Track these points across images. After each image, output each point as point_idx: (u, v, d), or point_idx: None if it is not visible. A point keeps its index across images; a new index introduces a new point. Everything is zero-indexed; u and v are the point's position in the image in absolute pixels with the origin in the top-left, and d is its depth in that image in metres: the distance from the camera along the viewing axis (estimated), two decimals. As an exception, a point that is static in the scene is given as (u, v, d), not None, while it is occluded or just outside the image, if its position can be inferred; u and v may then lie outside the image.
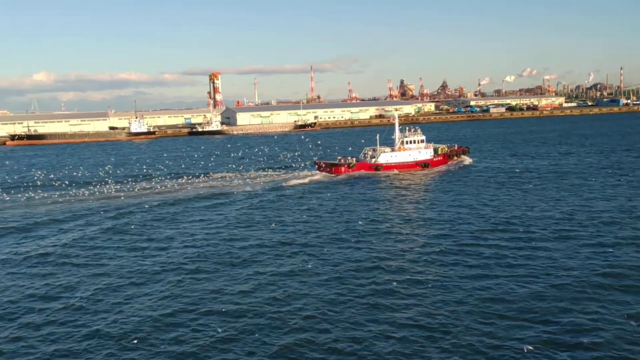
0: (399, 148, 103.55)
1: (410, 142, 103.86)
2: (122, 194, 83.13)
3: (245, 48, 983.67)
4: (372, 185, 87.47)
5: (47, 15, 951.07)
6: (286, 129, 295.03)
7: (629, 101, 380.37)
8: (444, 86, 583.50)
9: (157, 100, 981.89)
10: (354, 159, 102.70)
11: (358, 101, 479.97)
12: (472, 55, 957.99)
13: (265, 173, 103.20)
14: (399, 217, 62.40)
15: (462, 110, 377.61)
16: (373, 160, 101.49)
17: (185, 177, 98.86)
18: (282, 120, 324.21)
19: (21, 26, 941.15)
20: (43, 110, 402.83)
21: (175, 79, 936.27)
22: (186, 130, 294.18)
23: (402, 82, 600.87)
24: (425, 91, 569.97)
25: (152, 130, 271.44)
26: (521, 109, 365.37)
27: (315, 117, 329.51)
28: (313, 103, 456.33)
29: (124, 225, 61.99)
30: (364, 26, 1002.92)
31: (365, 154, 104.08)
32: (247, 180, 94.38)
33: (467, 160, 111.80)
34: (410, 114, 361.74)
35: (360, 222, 59.29)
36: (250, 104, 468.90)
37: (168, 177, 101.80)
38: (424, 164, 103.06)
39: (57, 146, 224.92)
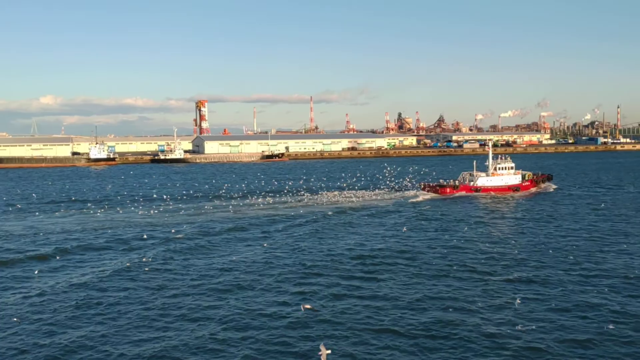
0: (492, 173, 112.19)
1: (502, 168, 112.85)
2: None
3: (256, 77, 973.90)
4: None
5: (59, 42, 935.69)
6: (253, 159, 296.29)
7: (607, 140, 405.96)
8: (440, 120, 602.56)
9: (159, 126, 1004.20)
10: (456, 181, 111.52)
11: (355, 132, 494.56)
12: (479, 89, 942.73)
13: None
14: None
15: (439, 145, 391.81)
16: (472, 183, 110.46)
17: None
18: (252, 150, 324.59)
19: (32, 50, 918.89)
20: (43, 134, 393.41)
21: (180, 106, 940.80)
22: (148, 157, 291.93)
23: (399, 115, 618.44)
24: (421, 124, 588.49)
25: (112, 156, 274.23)
26: (495, 145, 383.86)
27: (287, 148, 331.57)
28: (311, 133, 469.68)
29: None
30: (374, 59, 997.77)
31: (463, 177, 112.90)
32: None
33: (551, 186, 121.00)
34: (383, 147, 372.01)
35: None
36: (249, 132, 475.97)
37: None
38: (515, 188, 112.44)
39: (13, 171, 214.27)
